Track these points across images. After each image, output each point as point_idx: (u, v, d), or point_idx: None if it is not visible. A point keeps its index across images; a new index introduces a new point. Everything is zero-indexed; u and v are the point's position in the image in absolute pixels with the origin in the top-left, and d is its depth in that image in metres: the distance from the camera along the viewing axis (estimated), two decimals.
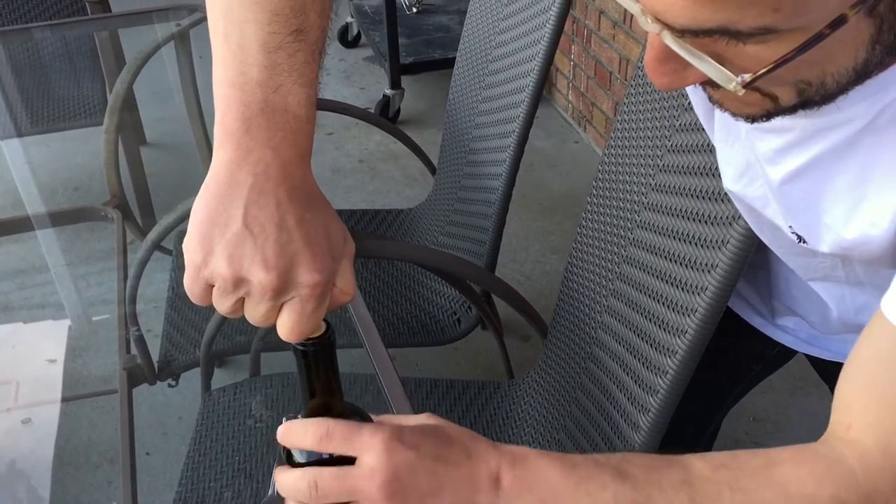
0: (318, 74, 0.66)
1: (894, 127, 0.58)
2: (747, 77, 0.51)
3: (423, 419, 0.66)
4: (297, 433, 0.63)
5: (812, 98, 0.56)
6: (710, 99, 0.61)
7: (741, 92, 0.51)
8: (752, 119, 0.60)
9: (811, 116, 0.61)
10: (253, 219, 0.60)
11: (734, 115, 0.60)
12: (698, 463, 0.62)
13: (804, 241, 0.71)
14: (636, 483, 0.61)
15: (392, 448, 0.60)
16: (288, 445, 0.64)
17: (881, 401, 0.59)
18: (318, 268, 0.61)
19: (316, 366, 0.63)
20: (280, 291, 0.60)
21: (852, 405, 0.61)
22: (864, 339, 0.61)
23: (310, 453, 0.63)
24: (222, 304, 0.62)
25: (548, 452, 0.64)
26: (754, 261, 0.99)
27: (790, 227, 0.71)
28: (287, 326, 0.61)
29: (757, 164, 0.73)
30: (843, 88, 0.55)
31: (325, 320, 0.63)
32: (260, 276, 0.59)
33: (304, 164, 0.64)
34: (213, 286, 0.61)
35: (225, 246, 0.59)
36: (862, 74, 0.54)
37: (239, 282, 0.60)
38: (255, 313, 0.61)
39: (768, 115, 0.59)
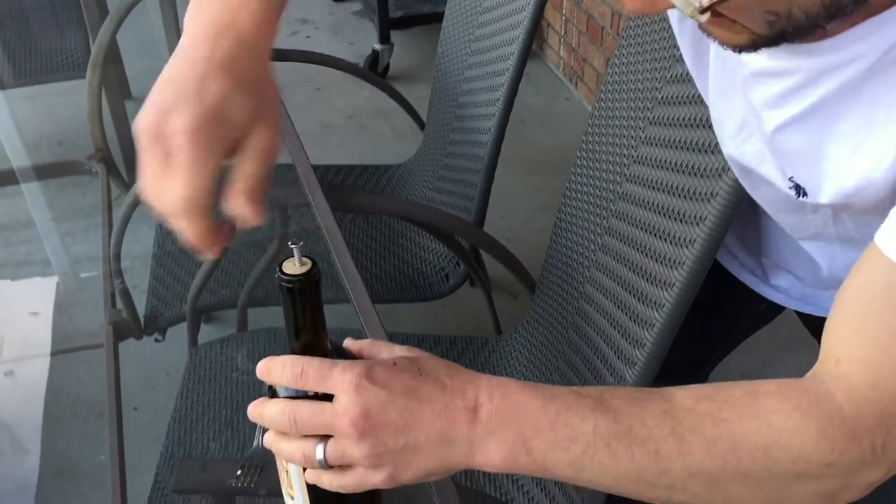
0: None
1: None
2: (705, 2, 0.51)
3: (402, 352, 0.66)
4: (276, 371, 0.63)
5: (785, 30, 0.55)
6: (699, 26, 0.60)
7: (700, 18, 0.52)
8: (739, 48, 0.59)
9: (814, 56, 0.60)
10: (175, 67, 0.63)
11: (722, 43, 0.60)
12: (681, 394, 0.61)
13: (804, 194, 0.69)
14: (617, 415, 0.60)
15: (362, 386, 0.60)
16: (267, 382, 0.65)
17: (872, 336, 0.58)
18: (195, 113, 0.60)
19: (301, 304, 0.63)
20: (156, 134, 0.60)
21: (842, 340, 0.60)
22: (856, 273, 0.60)
23: (296, 391, 0.64)
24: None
25: (528, 383, 0.63)
26: (745, 221, 0.98)
27: (790, 178, 0.70)
28: (168, 195, 0.61)
29: (753, 117, 0.71)
30: (815, 21, 0.54)
31: (310, 258, 0.63)
32: (142, 113, 0.61)
33: (260, 24, 0.65)
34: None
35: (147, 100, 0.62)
36: (834, 9, 0.53)
37: (136, 133, 0.62)
38: (145, 175, 0.61)
39: (754, 45, 0.58)
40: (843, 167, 0.63)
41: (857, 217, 0.70)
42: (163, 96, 0.61)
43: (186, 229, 0.62)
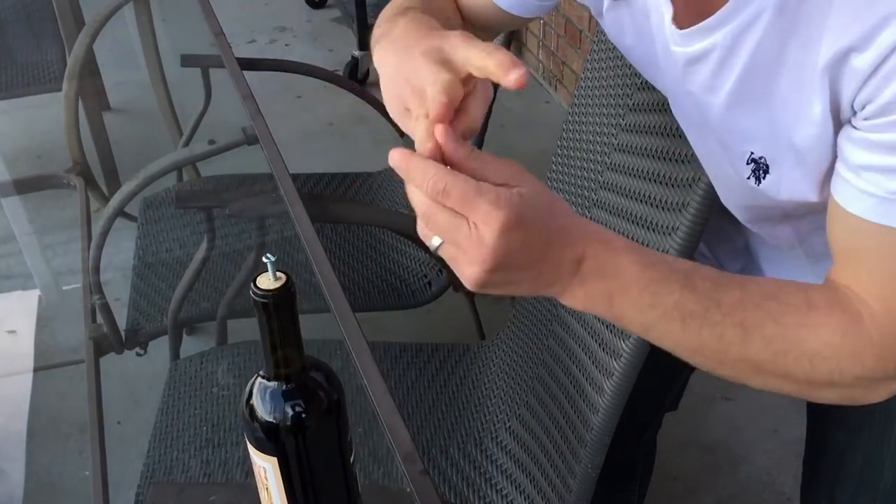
0: None
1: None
2: None
3: (533, 185, 0.64)
4: (415, 174, 0.62)
5: None
6: None
7: None
8: None
9: (721, 26, 0.64)
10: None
11: None
12: (753, 287, 0.67)
13: (765, 171, 0.72)
14: (699, 295, 0.65)
15: (509, 227, 0.60)
16: (406, 180, 0.62)
17: (872, 275, 0.66)
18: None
19: (277, 318, 0.63)
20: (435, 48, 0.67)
21: (847, 273, 0.67)
22: (831, 223, 0.67)
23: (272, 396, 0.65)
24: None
25: (633, 245, 0.67)
26: (719, 230, 0.99)
27: (750, 153, 0.72)
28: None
29: (703, 119, 0.74)
30: None
31: (284, 272, 0.63)
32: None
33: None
34: None
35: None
36: None
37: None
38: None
39: None
40: (793, 126, 0.66)
41: (821, 232, 0.72)
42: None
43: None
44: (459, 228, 0.61)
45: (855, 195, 0.63)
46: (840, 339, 0.65)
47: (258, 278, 0.62)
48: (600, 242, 0.65)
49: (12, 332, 1.69)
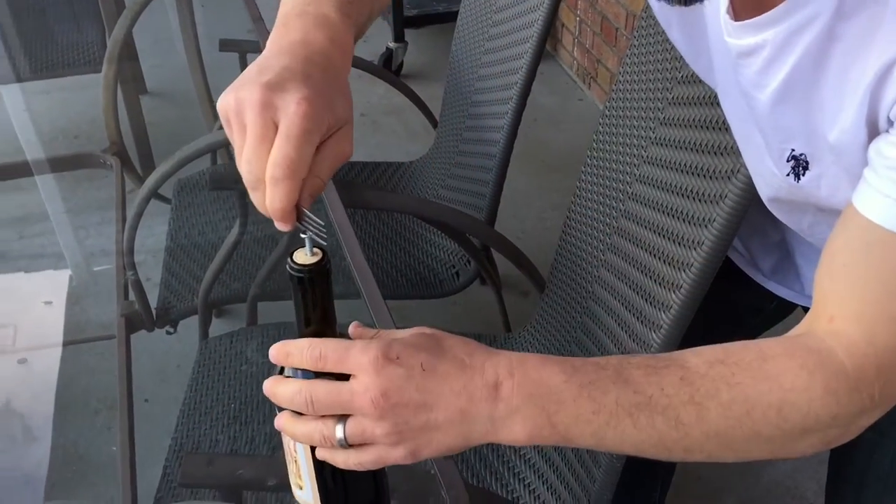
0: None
1: (866, 6, 0.58)
2: None
3: (417, 331, 0.66)
4: (294, 354, 0.63)
5: None
6: None
7: None
8: (683, 1, 0.61)
9: (774, 25, 0.63)
10: (265, 63, 0.65)
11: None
12: (694, 360, 0.63)
13: (804, 167, 0.71)
14: (637, 386, 0.61)
15: (380, 365, 0.60)
16: (284, 365, 0.64)
17: (863, 293, 0.61)
18: (309, 93, 0.62)
19: (311, 293, 0.64)
20: (266, 103, 0.61)
21: (833, 296, 0.63)
22: (839, 232, 0.63)
23: (304, 372, 0.64)
24: (232, 138, 0.64)
25: (547, 357, 0.63)
26: (753, 224, 0.99)
27: (791, 150, 0.71)
28: (273, 154, 0.61)
29: (749, 111, 0.73)
30: None
31: (321, 248, 0.63)
32: (250, 89, 0.62)
33: (332, 47, 0.68)
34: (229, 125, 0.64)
35: (237, 85, 0.63)
36: None
37: (239, 106, 0.62)
38: (250, 135, 0.62)
39: None
40: (828, 128, 0.65)
41: None
42: (268, 75, 0.62)
43: (275, 196, 0.61)
44: (342, 388, 0.61)
45: (873, 196, 0.60)
46: (807, 378, 0.61)
47: (294, 253, 0.63)
48: (510, 362, 0.62)
49: (49, 303, 1.71)
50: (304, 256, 0.63)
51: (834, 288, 0.63)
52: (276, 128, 0.61)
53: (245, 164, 0.62)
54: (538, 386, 0.61)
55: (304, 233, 0.63)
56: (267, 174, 0.61)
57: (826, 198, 0.71)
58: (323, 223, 0.64)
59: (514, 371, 0.62)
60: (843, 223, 0.63)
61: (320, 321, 0.65)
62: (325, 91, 0.64)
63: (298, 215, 0.63)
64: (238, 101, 0.62)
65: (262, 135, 0.61)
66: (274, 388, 0.64)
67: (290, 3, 0.71)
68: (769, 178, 0.78)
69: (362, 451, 0.63)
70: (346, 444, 0.63)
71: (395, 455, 0.62)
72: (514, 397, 0.61)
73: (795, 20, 0.62)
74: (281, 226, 0.63)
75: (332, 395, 0.62)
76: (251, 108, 0.61)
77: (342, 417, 0.62)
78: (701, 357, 0.63)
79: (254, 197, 0.63)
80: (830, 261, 0.64)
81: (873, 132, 0.62)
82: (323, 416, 0.63)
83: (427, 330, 0.66)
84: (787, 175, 0.73)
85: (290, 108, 0.61)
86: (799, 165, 0.72)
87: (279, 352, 0.64)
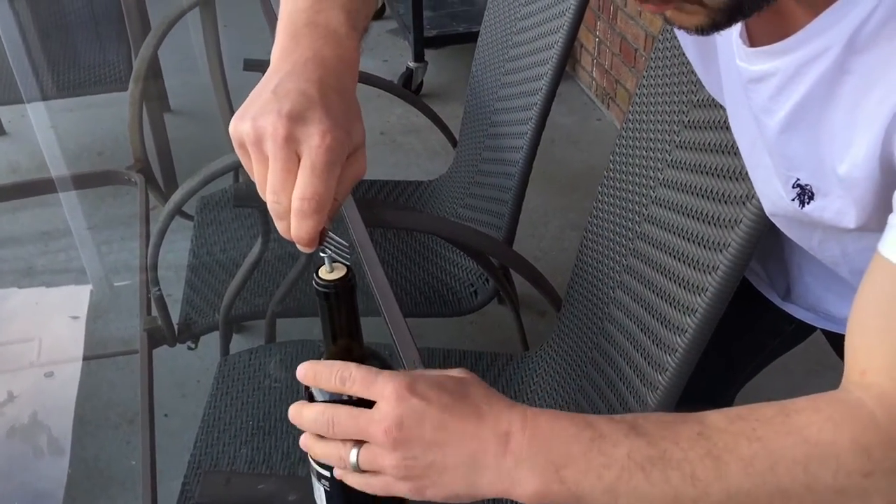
0: (358, 4, 0.73)
1: (878, 44, 0.58)
2: None
3: (455, 373, 0.67)
4: (322, 375, 0.65)
5: (740, 2, 0.59)
6: (665, 20, 0.63)
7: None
8: (701, 30, 0.62)
9: (786, 53, 0.64)
10: (281, 87, 0.64)
11: (684, 28, 0.63)
12: (714, 416, 0.60)
13: (810, 196, 0.71)
14: (651, 438, 0.59)
15: (402, 397, 0.61)
16: (311, 385, 0.66)
17: (891, 342, 0.58)
18: (330, 124, 0.63)
19: (337, 308, 0.65)
20: (290, 136, 0.62)
21: (863, 350, 0.60)
22: (867, 283, 0.61)
23: (331, 393, 0.66)
24: (249, 166, 0.65)
25: (563, 413, 0.63)
26: (767, 247, 0.99)
27: (796, 180, 0.72)
28: (301, 188, 0.62)
29: (756, 129, 0.74)
30: None
31: (346, 265, 0.65)
32: (272, 120, 0.62)
33: (343, 67, 0.69)
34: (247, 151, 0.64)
35: (254, 111, 0.64)
36: None
37: (259, 136, 0.63)
38: (273, 167, 0.63)
39: (714, 25, 0.61)
40: (837, 161, 0.65)
41: (863, 247, 0.72)
42: (287, 104, 0.63)
43: (302, 228, 0.63)
44: (361, 414, 0.62)
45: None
46: (833, 431, 0.57)
47: (320, 269, 0.65)
48: (527, 414, 0.62)
49: (75, 317, 1.74)
50: (328, 272, 0.65)
51: (864, 341, 0.60)
52: (299, 159, 0.63)
53: (271, 196, 0.63)
54: (548, 439, 0.61)
55: (325, 252, 0.65)
56: (294, 207, 0.62)
57: (831, 220, 0.71)
58: (346, 243, 0.66)
59: (526, 424, 0.61)
60: (870, 275, 0.60)
61: (346, 336, 0.67)
62: (342, 119, 0.65)
63: (321, 237, 0.65)
64: (257, 131, 0.63)
65: (287, 168, 0.62)
66: (299, 411, 0.66)
67: (292, 2, 0.72)
68: (776, 200, 0.79)
69: (372, 478, 0.64)
70: (359, 469, 0.64)
71: (401, 488, 0.63)
72: (522, 450, 0.61)
73: (807, 51, 0.63)
74: (305, 250, 0.65)
75: (352, 419, 0.63)
76: (274, 142, 0.62)
77: (359, 442, 0.64)
78: (720, 414, 0.61)
79: (280, 226, 0.65)
80: (859, 315, 0.61)
81: (887, 169, 0.61)
82: (343, 440, 0.64)
83: (457, 373, 0.67)
84: (793, 200, 0.74)
85: (314, 142, 0.62)
86: (805, 194, 0.72)
87: (308, 371, 0.66)
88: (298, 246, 0.65)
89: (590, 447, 0.60)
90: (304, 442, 0.67)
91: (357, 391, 0.63)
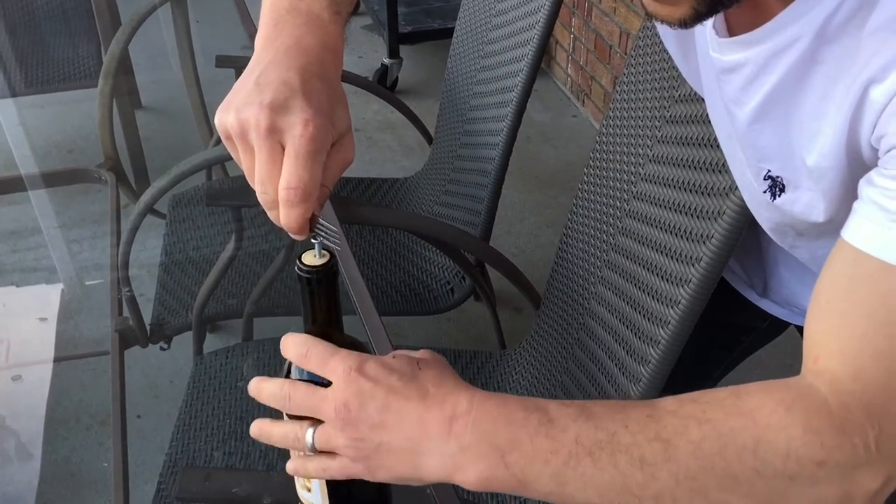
0: None
1: (847, 32, 0.58)
2: None
3: (419, 354, 0.66)
4: (288, 346, 0.66)
5: None
6: (646, 12, 0.63)
7: None
8: (684, 23, 0.61)
9: (757, 44, 0.64)
10: (263, 77, 0.64)
11: (667, 22, 0.62)
12: (666, 400, 0.60)
13: (781, 189, 0.71)
14: (600, 422, 0.58)
15: (351, 377, 0.62)
16: (284, 356, 0.67)
17: (846, 326, 0.57)
18: (312, 113, 0.63)
19: (318, 294, 0.65)
20: (272, 127, 0.62)
21: (818, 335, 0.59)
22: (826, 269, 0.60)
23: (309, 374, 0.66)
24: (237, 157, 0.65)
25: (512, 397, 0.61)
26: (746, 243, 0.99)
27: (767, 171, 0.71)
28: (286, 178, 0.62)
29: (728, 119, 0.74)
30: None
31: (328, 251, 0.65)
32: (254, 111, 0.62)
33: (326, 53, 0.68)
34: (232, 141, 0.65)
35: (238, 103, 0.64)
36: None
37: (243, 127, 0.63)
38: (259, 158, 0.63)
39: (696, 16, 0.60)
40: (805, 152, 0.65)
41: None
42: (268, 94, 0.63)
43: (291, 217, 0.63)
44: (316, 391, 0.63)
45: (859, 223, 0.57)
46: (784, 415, 0.56)
47: (303, 255, 0.65)
48: (475, 397, 0.61)
49: (44, 319, 1.71)
50: (312, 258, 0.65)
51: (818, 327, 0.59)
52: (283, 149, 0.62)
53: (259, 186, 0.64)
54: (494, 424, 0.59)
55: (316, 238, 0.65)
56: (280, 196, 0.62)
57: (801, 214, 0.71)
58: (337, 229, 0.66)
59: (472, 408, 0.60)
60: (830, 261, 0.60)
61: (325, 321, 0.67)
62: (325, 106, 0.64)
63: (312, 223, 0.65)
64: (241, 123, 0.63)
65: (271, 158, 0.62)
66: (259, 385, 0.66)
67: None
68: (751, 191, 0.79)
69: (329, 459, 0.64)
70: (314, 449, 0.64)
71: (355, 469, 0.63)
72: (466, 434, 0.59)
73: (777, 41, 0.62)
74: (297, 237, 0.65)
75: (307, 395, 0.63)
76: (257, 133, 0.62)
77: (316, 423, 0.64)
78: (672, 398, 0.60)
79: (270, 215, 0.65)
80: (816, 302, 0.60)
81: (853, 157, 0.61)
82: (300, 420, 0.64)
83: (421, 354, 0.66)
84: (765, 192, 0.74)
85: (296, 131, 0.62)
86: (776, 186, 0.72)
87: (282, 344, 0.66)
88: (290, 233, 0.65)
89: (537, 431, 0.58)
90: (260, 427, 0.67)
91: (313, 367, 0.64)
